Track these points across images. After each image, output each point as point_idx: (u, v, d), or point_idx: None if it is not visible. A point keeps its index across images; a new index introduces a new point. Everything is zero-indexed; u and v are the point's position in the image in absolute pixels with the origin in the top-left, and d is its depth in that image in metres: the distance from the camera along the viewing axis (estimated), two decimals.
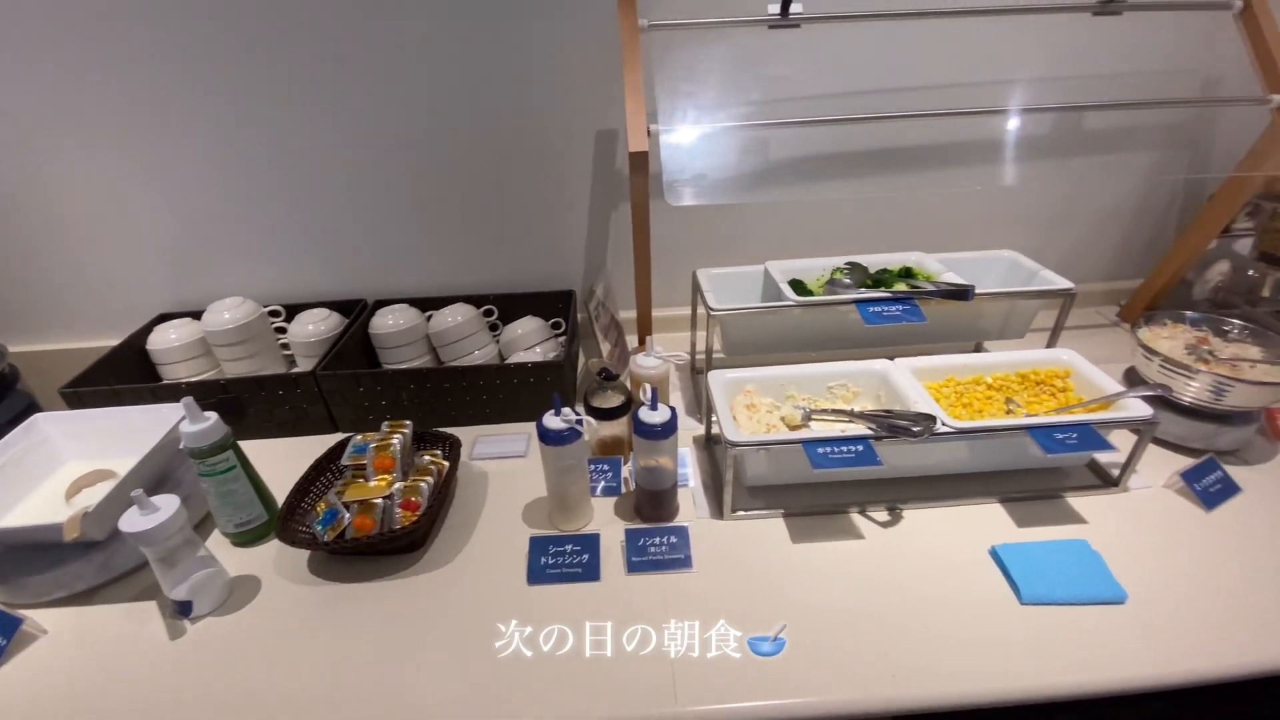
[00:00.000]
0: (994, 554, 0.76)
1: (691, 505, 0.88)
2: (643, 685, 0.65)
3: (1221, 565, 0.75)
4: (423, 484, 0.83)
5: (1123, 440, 0.85)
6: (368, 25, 1.03)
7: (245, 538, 0.85)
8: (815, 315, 1.00)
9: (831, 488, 0.87)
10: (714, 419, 0.86)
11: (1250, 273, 1.20)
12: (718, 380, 0.91)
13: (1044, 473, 0.89)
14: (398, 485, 0.83)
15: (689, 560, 0.78)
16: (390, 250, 1.24)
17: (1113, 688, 0.64)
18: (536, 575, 0.76)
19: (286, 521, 0.80)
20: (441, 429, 0.96)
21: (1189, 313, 1.01)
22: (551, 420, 0.75)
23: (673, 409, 0.79)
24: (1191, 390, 0.89)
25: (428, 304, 1.21)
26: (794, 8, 0.93)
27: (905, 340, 1.04)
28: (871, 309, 0.93)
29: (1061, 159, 1.19)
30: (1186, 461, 0.87)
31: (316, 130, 1.12)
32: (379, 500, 0.80)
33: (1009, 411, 0.86)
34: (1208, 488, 0.84)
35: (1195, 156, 1.23)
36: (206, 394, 1.00)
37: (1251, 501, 0.84)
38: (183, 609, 0.73)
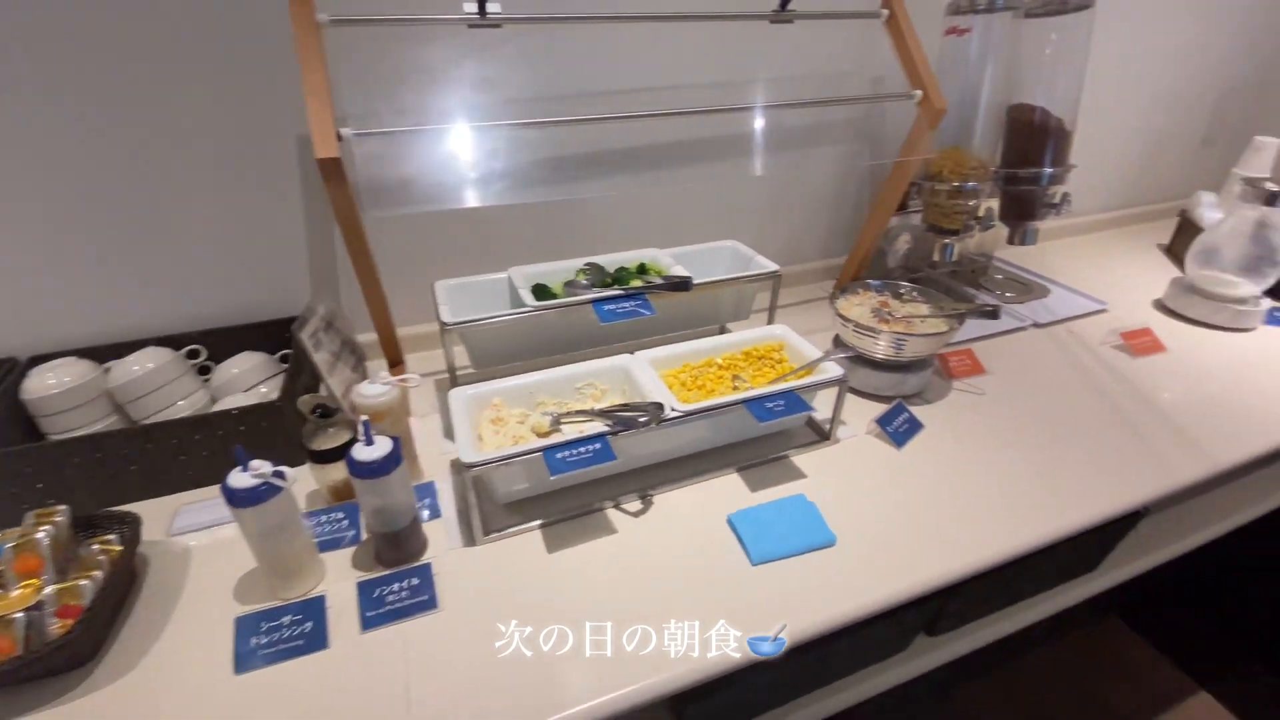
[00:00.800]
0: (729, 522, 0.82)
1: (444, 536, 0.82)
2: None
3: (911, 494, 0.88)
4: (84, 582, 0.67)
5: (832, 399, 0.96)
6: None
7: None
8: (559, 319, 0.99)
9: (587, 487, 0.87)
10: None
11: (926, 242, 1.45)
12: (459, 398, 0.87)
13: (773, 438, 0.97)
14: (49, 590, 0.66)
15: (434, 600, 0.72)
16: (46, 292, 0.99)
17: (833, 624, 0.71)
18: (246, 661, 0.65)
19: None
20: (122, 507, 0.79)
21: (872, 280, 1.18)
22: (239, 478, 0.64)
23: (395, 440, 0.72)
24: (880, 347, 1.03)
25: (109, 352, 0.99)
26: (492, 8, 0.91)
27: (650, 332, 1.08)
28: (606, 307, 0.94)
29: (769, 154, 1.31)
30: (884, 409, 1.01)
31: None
32: (19, 614, 0.63)
33: (735, 388, 0.93)
34: (898, 429, 0.98)
35: (874, 146, 1.44)
36: None
37: (932, 434, 0.99)
38: None
